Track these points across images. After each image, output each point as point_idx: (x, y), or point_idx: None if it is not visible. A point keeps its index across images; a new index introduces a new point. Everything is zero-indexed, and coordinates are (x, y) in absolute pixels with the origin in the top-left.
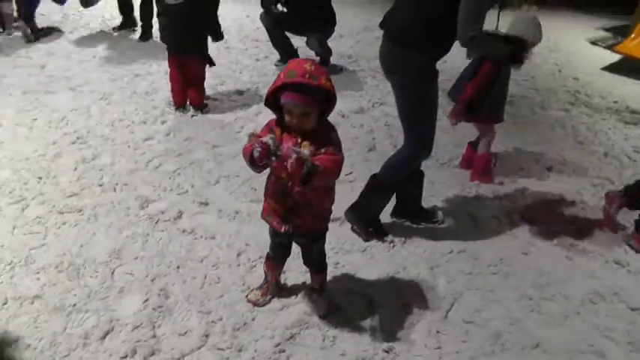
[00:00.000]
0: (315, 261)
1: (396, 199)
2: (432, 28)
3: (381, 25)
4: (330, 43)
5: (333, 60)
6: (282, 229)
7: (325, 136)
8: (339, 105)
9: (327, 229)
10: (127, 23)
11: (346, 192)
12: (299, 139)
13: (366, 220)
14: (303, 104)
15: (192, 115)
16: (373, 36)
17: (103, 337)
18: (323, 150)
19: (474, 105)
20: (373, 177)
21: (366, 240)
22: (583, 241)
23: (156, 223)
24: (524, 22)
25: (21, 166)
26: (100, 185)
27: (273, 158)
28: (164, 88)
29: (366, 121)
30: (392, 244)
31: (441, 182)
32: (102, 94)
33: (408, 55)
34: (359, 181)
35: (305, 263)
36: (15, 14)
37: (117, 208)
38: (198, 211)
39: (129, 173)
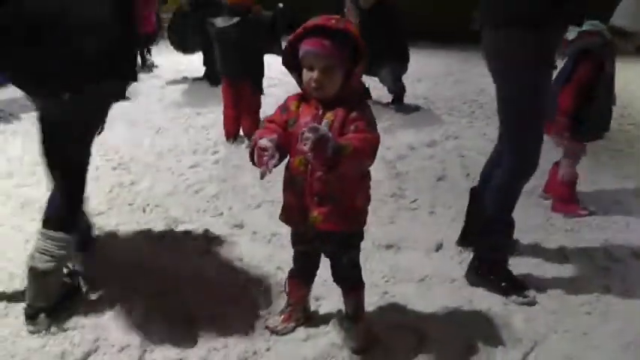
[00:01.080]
0: (346, 275)
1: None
2: None
3: (479, 22)
4: (407, 85)
5: (407, 100)
6: (302, 229)
7: (354, 108)
8: (409, 137)
9: (359, 235)
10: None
11: (408, 219)
12: (320, 110)
13: (493, 276)
14: (326, 53)
15: (247, 147)
16: (452, 79)
17: (84, 359)
18: (352, 127)
19: (581, 118)
20: (482, 217)
21: (506, 296)
22: None
23: (179, 242)
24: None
25: None
26: (130, 205)
27: (274, 162)
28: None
29: (438, 153)
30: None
31: (521, 212)
32: (157, 127)
33: (514, 35)
34: (423, 209)
35: (335, 279)
36: None
37: (141, 228)
38: (230, 233)
39: (164, 196)
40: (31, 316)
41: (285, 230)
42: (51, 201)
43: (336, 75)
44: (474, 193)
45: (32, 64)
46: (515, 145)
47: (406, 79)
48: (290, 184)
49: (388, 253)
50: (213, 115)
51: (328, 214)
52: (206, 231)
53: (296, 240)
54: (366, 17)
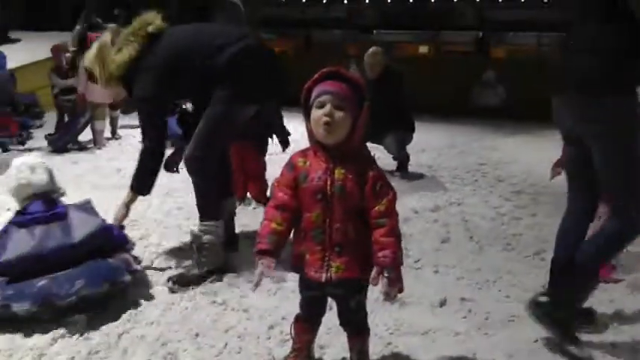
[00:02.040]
0: (353, 319)
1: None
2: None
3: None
4: (411, 156)
5: (412, 169)
6: (323, 279)
7: (368, 164)
8: (413, 202)
9: (367, 279)
10: None
11: (412, 277)
12: (330, 164)
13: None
14: (340, 92)
15: (254, 208)
16: (455, 151)
17: None
18: (375, 186)
19: None
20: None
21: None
22: None
23: (184, 293)
24: None
25: None
26: (135, 258)
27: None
28: None
29: (441, 217)
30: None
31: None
32: (168, 189)
33: (615, 101)
34: (427, 268)
35: (341, 323)
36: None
37: (146, 279)
38: (237, 285)
39: (174, 251)
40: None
41: (293, 282)
42: None
43: (346, 117)
44: (559, 266)
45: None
46: (622, 207)
47: (410, 149)
48: (306, 237)
49: (392, 307)
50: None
51: (348, 263)
52: (215, 282)
53: (306, 286)
54: (372, 86)
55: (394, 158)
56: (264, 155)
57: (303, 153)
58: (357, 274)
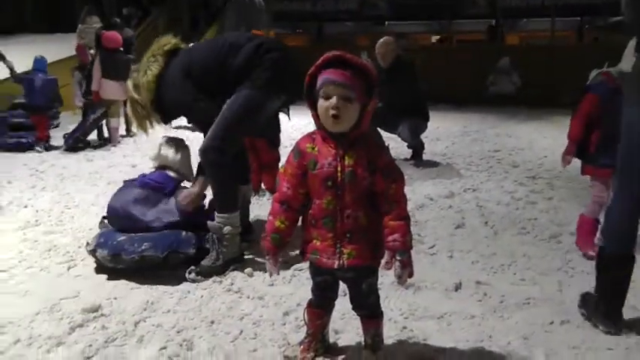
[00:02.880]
0: (366, 302)
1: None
2: None
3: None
4: (426, 144)
5: (426, 158)
6: (335, 265)
7: (377, 147)
8: (427, 189)
9: (379, 262)
10: None
11: (427, 262)
12: (340, 149)
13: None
14: (346, 82)
15: (268, 199)
16: (469, 139)
17: None
18: (385, 169)
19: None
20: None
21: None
22: None
23: (201, 282)
24: None
25: (82, 235)
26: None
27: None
28: None
29: (456, 203)
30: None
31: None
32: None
33: None
34: (442, 253)
35: (354, 307)
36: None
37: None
38: (251, 274)
39: None
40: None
41: (306, 270)
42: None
43: (354, 107)
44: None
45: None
46: None
47: (424, 138)
48: (317, 223)
49: (407, 292)
50: None
51: (360, 250)
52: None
53: (317, 272)
54: (385, 75)
55: (409, 146)
56: (278, 146)
57: (311, 138)
58: (368, 260)
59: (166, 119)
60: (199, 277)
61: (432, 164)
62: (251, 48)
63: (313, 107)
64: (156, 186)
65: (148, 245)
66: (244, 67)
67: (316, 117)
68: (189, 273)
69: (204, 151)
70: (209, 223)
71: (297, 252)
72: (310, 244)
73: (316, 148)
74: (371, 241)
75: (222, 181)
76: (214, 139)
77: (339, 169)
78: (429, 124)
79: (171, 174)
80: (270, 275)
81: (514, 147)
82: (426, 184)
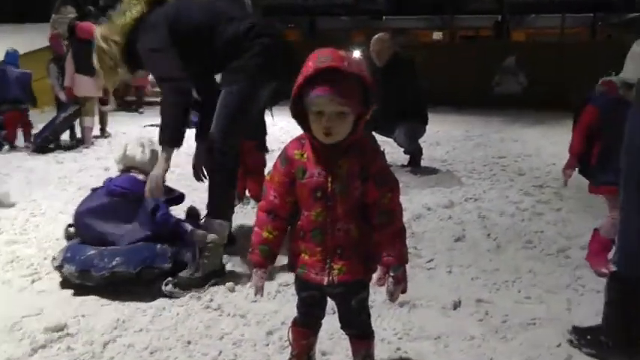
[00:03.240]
0: (356, 320)
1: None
2: None
3: None
4: (424, 149)
5: (425, 164)
6: (325, 281)
7: (370, 152)
8: (425, 198)
9: (370, 277)
10: None
11: (423, 278)
12: (331, 157)
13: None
14: (340, 98)
15: (253, 207)
16: (471, 144)
17: None
18: (377, 176)
19: (584, 161)
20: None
21: None
22: None
23: (177, 298)
24: None
25: (48, 245)
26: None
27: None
28: None
29: (456, 214)
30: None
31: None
32: None
33: None
34: (440, 268)
35: (342, 326)
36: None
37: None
38: (233, 287)
39: None
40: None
41: (292, 285)
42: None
43: (348, 120)
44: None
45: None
46: None
47: (423, 143)
48: (305, 236)
49: (401, 310)
50: None
51: (351, 265)
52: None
53: (303, 287)
54: (380, 75)
55: (405, 152)
56: (265, 151)
57: (300, 143)
58: (360, 275)
59: (133, 68)
60: (176, 290)
61: (431, 171)
62: (242, 29)
63: (301, 118)
64: (123, 192)
65: (120, 260)
66: (232, 45)
67: (305, 127)
68: (166, 285)
69: (209, 151)
70: (193, 230)
71: (284, 265)
72: (298, 258)
73: (305, 155)
74: (362, 255)
75: (222, 184)
76: (216, 141)
77: (329, 178)
78: (427, 127)
79: (140, 177)
80: (256, 293)
81: (520, 153)
82: (424, 193)
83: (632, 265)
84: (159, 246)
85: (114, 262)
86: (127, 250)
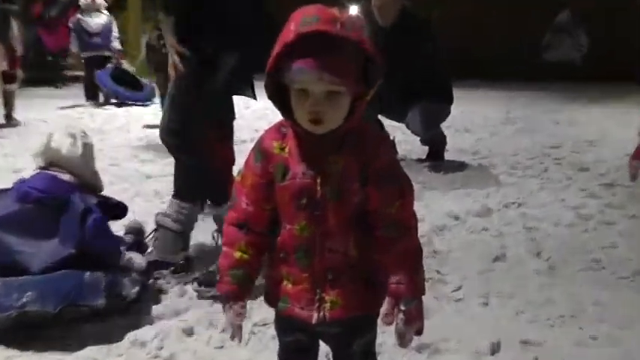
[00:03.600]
0: None
1: None
2: None
3: None
4: (449, 137)
5: (450, 157)
6: (314, 319)
7: (373, 147)
8: (450, 204)
9: (377, 313)
10: None
11: (449, 312)
12: (320, 151)
13: None
14: (331, 73)
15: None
16: (513, 129)
17: None
18: (387, 186)
19: None
20: None
21: None
22: None
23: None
24: None
25: None
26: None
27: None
28: None
29: (493, 225)
30: None
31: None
32: None
33: None
34: (471, 299)
35: None
36: None
37: None
38: (188, 329)
39: None
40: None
41: (271, 324)
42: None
43: (342, 102)
44: None
45: None
46: None
47: (448, 129)
48: (288, 258)
49: (420, 357)
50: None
51: (348, 296)
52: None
53: (286, 327)
54: (385, 38)
55: (423, 141)
56: (231, 141)
57: (280, 133)
58: (361, 310)
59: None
60: (202, 289)
61: (458, 167)
62: None
63: (280, 99)
64: (40, 197)
65: (33, 295)
66: None
67: (285, 111)
68: (192, 282)
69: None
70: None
71: (260, 298)
72: (278, 287)
73: (287, 149)
74: (364, 282)
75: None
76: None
77: (318, 180)
78: (452, 108)
79: (64, 177)
80: (232, 337)
81: (579, 139)
82: (449, 197)
83: None
84: (87, 274)
85: (25, 299)
86: (43, 281)
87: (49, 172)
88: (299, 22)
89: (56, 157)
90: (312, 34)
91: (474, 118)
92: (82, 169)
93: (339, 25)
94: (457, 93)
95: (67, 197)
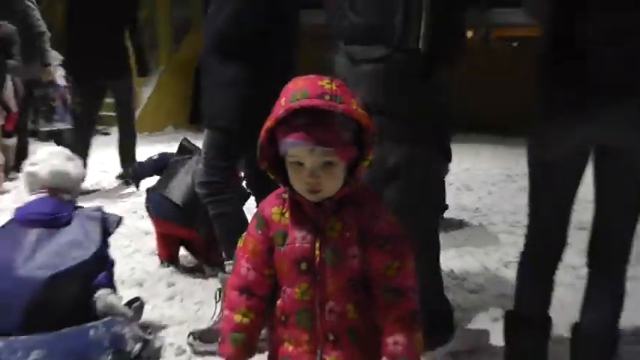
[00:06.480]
0: None
1: None
2: None
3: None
4: (448, 195)
5: (449, 214)
6: None
7: (370, 207)
8: (449, 264)
9: None
10: None
11: None
12: (319, 216)
13: None
14: (324, 145)
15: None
16: (515, 187)
17: None
18: (387, 246)
19: None
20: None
21: None
22: None
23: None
24: None
25: None
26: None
27: None
28: None
29: (492, 285)
30: None
31: None
32: None
33: None
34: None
35: None
36: None
37: None
38: None
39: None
40: None
41: None
42: None
43: (336, 171)
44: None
45: None
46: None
47: (447, 186)
48: (288, 321)
49: None
50: None
51: (349, 357)
52: None
53: None
54: None
55: None
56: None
57: (280, 199)
58: None
59: None
60: (197, 342)
61: (456, 225)
62: None
63: (275, 167)
64: (48, 220)
65: (40, 354)
66: None
67: (282, 180)
68: (188, 337)
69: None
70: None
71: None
72: (280, 349)
73: (286, 214)
74: (365, 344)
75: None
76: None
77: (317, 244)
78: (451, 164)
79: (66, 197)
80: None
81: (585, 198)
82: (448, 256)
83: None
84: (92, 332)
85: (32, 357)
86: (50, 340)
87: (47, 196)
88: (289, 97)
89: (62, 181)
90: (299, 108)
91: (475, 173)
92: (77, 188)
93: (328, 98)
94: (456, 148)
95: (70, 217)
